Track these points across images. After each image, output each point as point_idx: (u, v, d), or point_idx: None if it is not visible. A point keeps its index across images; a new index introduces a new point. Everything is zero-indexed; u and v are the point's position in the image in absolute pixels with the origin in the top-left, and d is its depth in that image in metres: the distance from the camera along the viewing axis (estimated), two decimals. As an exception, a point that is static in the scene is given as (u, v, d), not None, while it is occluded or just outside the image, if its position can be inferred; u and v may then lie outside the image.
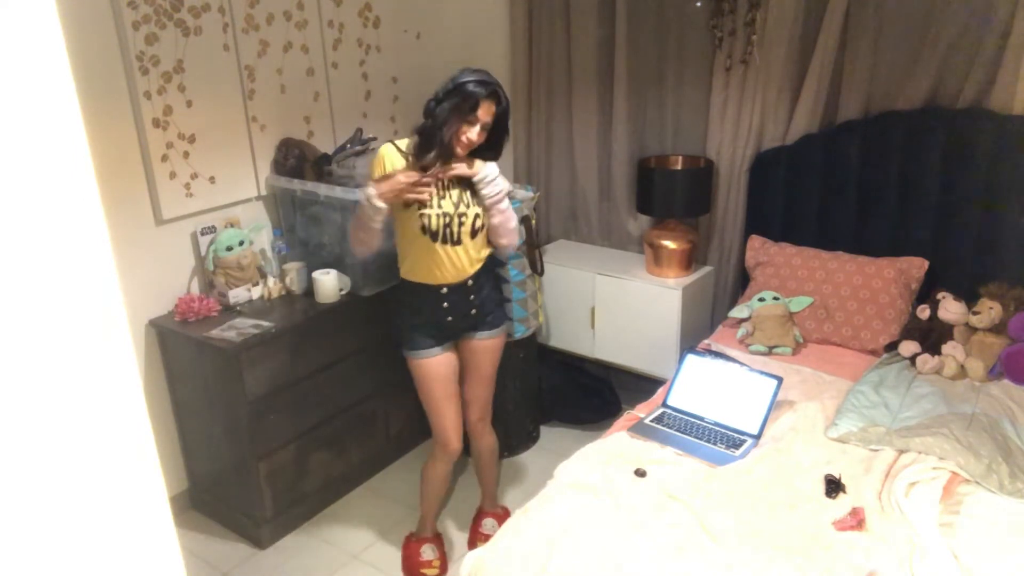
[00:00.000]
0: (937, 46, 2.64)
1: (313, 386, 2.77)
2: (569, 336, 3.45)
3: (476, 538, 2.68)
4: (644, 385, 3.18)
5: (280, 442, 2.70)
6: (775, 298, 2.82)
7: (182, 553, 0.78)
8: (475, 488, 2.81)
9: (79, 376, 0.67)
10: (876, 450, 2.13)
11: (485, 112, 2.12)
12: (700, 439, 2.24)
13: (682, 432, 2.28)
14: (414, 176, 2.11)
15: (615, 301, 3.24)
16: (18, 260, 0.61)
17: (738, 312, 2.90)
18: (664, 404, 2.44)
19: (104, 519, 0.70)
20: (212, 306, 2.70)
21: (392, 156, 2.21)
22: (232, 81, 2.81)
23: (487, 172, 2.21)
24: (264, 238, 2.99)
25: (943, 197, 2.73)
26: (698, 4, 3.05)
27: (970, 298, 2.61)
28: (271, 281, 2.88)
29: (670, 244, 3.11)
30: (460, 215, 2.21)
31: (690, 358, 2.49)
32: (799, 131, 2.95)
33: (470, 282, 2.29)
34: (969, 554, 1.71)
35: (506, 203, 2.27)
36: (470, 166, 2.20)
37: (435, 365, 2.33)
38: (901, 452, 2.10)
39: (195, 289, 2.83)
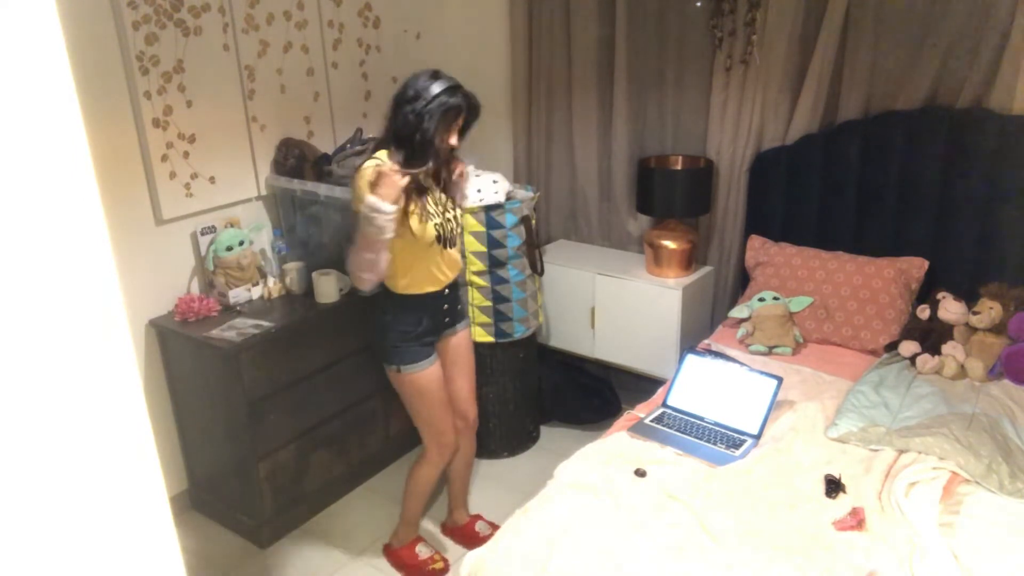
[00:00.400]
0: (937, 46, 2.64)
1: (313, 386, 2.77)
2: (569, 336, 3.45)
3: (481, 541, 2.66)
4: (644, 385, 3.18)
5: (280, 442, 2.70)
6: (775, 298, 2.82)
7: (182, 553, 0.78)
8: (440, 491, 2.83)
9: (79, 376, 0.67)
10: (876, 450, 2.13)
11: (460, 118, 2.16)
12: (700, 439, 2.24)
13: (682, 432, 2.28)
14: (408, 172, 2.04)
15: (615, 301, 3.24)
16: (18, 260, 0.61)
17: (738, 312, 2.90)
18: (664, 404, 2.44)
19: (104, 519, 0.70)
20: (212, 306, 2.70)
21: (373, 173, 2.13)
22: (232, 81, 2.81)
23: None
24: (264, 238, 2.99)
25: (943, 197, 2.73)
26: (698, 4, 3.05)
27: (970, 298, 2.61)
28: (271, 281, 2.88)
29: (670, 244, 3.11)
30: (454, 218, 2.29)
31: (690, 358, 2.49)
32: (799, 131, 2.95)
33: (456, 280, 2.39)
34: (969, 554, 1.71)
35: None
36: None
37: (435, 372, 2.35)
38: (901, 452, 2.10)
39: (195, 289, 2.83)
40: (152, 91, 2.56)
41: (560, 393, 3.41)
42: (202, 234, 2.76)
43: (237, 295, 2.77)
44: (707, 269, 3.26)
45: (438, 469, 2.48)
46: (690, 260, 3.16)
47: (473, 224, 2.88)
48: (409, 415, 2.42)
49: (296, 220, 2.97)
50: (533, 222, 3.02)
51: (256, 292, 2.83)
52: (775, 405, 2.29)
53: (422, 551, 2.59)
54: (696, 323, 3.21)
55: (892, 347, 2.67)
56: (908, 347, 2.60)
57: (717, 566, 1.72)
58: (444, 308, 2.34)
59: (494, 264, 2.93)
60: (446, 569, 2.57)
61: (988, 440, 2.09)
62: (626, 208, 3.46)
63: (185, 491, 2.95)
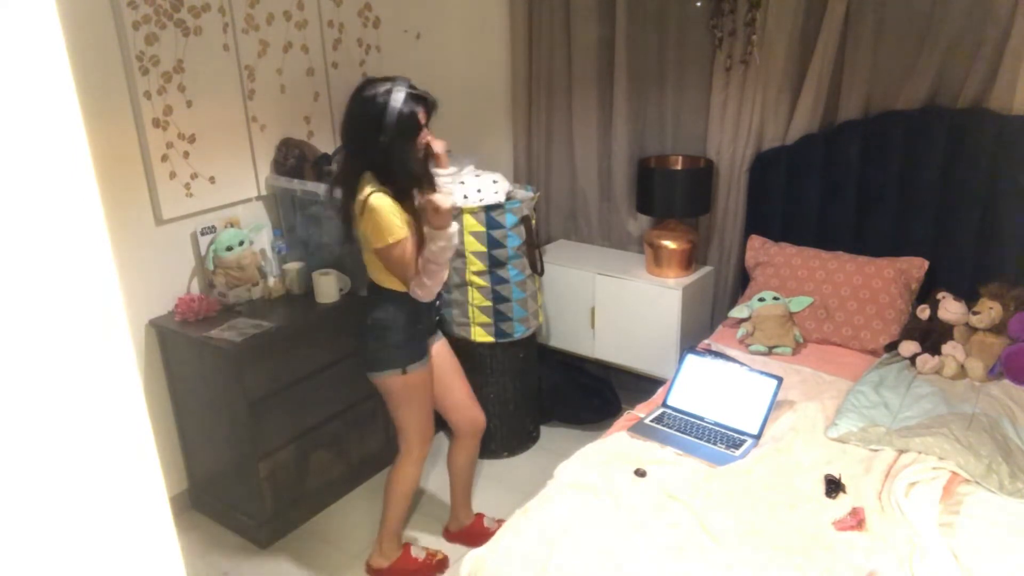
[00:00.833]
0: (937, 46, 2.64)
1: (313, 386, 2.77)
2: (569, 336, 3.45)
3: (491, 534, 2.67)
4: (644, 385, 3.18)
5: (280, 442, 2.70)
6: (775, 298, 2.82)
7: (182, 553, 0.78)
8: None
9: (79, 376, 0.67)
10: (876, 450, 2.13)
11: (424, 116, 2.14)
12: (700, 439, 2.24)
13: (682, 432, 2.28)
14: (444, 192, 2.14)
15: (615, 301, 3.24)
16: (18, 260, 0.61)
17: (738, 312, 2.90)
18: (664, 404, 2.44)
19: (104, 519, 0.70)
20: (212, 306, 2.70)
21: (391, 203, 2.12)
22: (232, 81, 2.81)
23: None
24: (264, 238, 2.99)
25: (943, 197, 2.73)
26: (698, 4, 3.05)
27: (970, 298, 2.61)
28: (271, 281, 2.88)
29: (670, 244, 3.11)
30: None
31: (690, 358, 2.49)
32: (799, 131, 2.95)
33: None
34: (969, 554, 1.71)
35: None
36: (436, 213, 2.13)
37: (430, 370, 2.37)
38: (901, 452, 2.10)
39: (195, 289, 2.83)
40: (152, 91, 2.56)
41: (560, 393, 3.41)
42: (202, 234, 2.76)
43: (237, 295, 2.77)
44: (707, 269, 3.26)
45: (420, 467, 2.46)
46: (690, 260, 3.16)
47: (473, 224, 2.88)
48: (394, 419, 2.39)
49: (296, 220, 2.97)
50: (533, 222, 3.02)
51: (256, 292, 2.83)
52: (775, 405, 2.29)
53: (417, 553, 2.59)
54: (696, 323, 3.21)
55: (892, 347, 2.67)
56: (908, 347, 2.60)
57: (717, 566, 1.72)
58: (436, 305, 2.37)
59: (494, 264, 2.93)
60: (447, 561, 2.58)
61: (988, 440, 2.09)
62: (626, 208, 3.46)
63: (185, 491, 2.95)
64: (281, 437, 2.70)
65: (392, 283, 2.24)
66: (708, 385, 2.41)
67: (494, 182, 2.89)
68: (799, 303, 2.80)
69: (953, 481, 1.97)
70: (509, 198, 2.95)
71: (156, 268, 2.70)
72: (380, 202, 2.09)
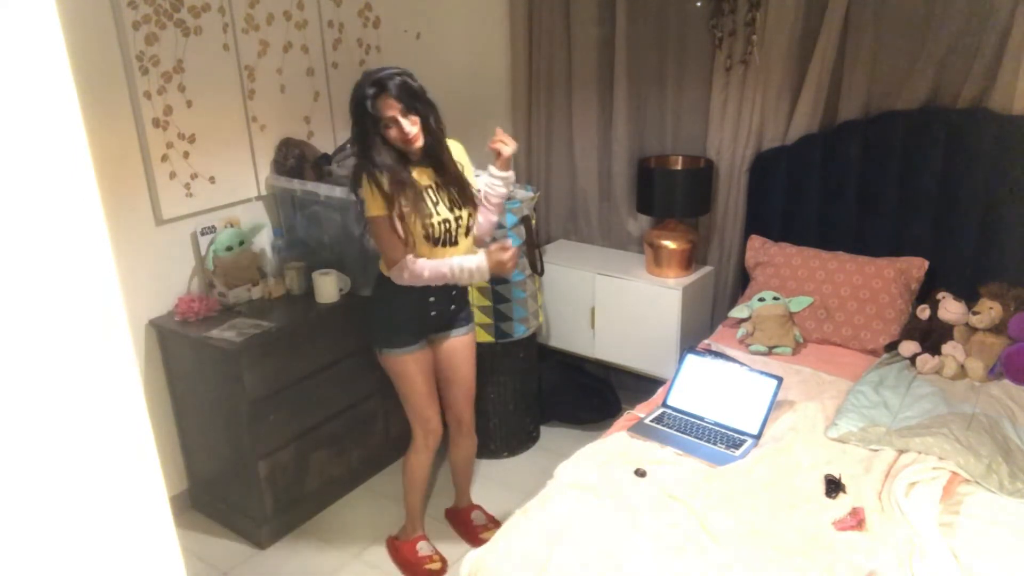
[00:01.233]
0: (937, 46, 2.64)
1: (313, 386, 2.77)
2: (569, 336, 3.45)
3: (474, 532, 2.70)
4: (644, 385, 3.18)
5: (280, 442, 2.70)
6: (775, 298, 2.82)
7: (182, 553, 0.78)
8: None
9: (79, 376, 0.67)
10: (876, 450, 2.13)
11: (387, 108, 2.10)
12: (700, 439, 2.24)
13: (682, 432, 2.28)
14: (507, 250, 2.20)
15: (615, 301, 3.24)
16: (18, 260, 0.61)
17: (738, 312, 2.90)
18: (664, 404, 2.44)
19: (104, 519, 0.70)
20: (212, 306, 2.70)
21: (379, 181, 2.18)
22: (232, 81, 2.81)
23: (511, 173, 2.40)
24: (264, 238, 2.98)
25: (943, 197, 2.73)
26: (698, 4, 3.05)
27: (970, 298, 2.61)
28: (271, 281, 2.88)
29: (670, 244, 3.11)
30: (456, 217, 2.26)
31: (690, 358, 2.49)
32: (799, 131, 2.95)
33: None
34: (969, 554, 1.71)
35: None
36: (499, 158, 2.34)
37: (418, 359, 2.37)
38: (901, 452, 2.10)
39: (195, 289, 2.83)
40: (152, 91, 2.56)
41: (560, 393, 3.41)
42: (202, 234, 2.76)
43: (237, 295, 2.77)
44: (707, 269, 3.26)
45: (425, 456, 2.50)
46: (690, 260, 3.16)
47: (473, 224, 2.87)
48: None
49: (296, 220, 2.97)
50: (533, 222, 3.02)
51: (256, 292, 2.83)
52: (775, 405, 2.29)
53: (423, 548, 2.60)
54: (696, 323, 3.21)
55: (892, 347, 2.67)
56: (908, 347, 2.61)
57: (717, 566, 1.72)
58: (431, 301, 2.32)
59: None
60: (443, 571, 2.57)
61: (988, 440, 2.09)
62: (626, 208, 3.46)
63: (185, 491, 2.95)
64: (281, 437, 2.70)
65: (385, 269, 2.30)
66: (708, 385, 2.41)
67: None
68: (799, 303, 2.80)
69: (953, 481, 1.97)
70: (509, 198, 2.95)
71: (156, 268, 2.70)
72: (376, 181, 2.17)
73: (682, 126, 3.28)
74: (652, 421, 2.36)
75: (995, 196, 2.63)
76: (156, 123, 2.59)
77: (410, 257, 2.21)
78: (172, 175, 2.67)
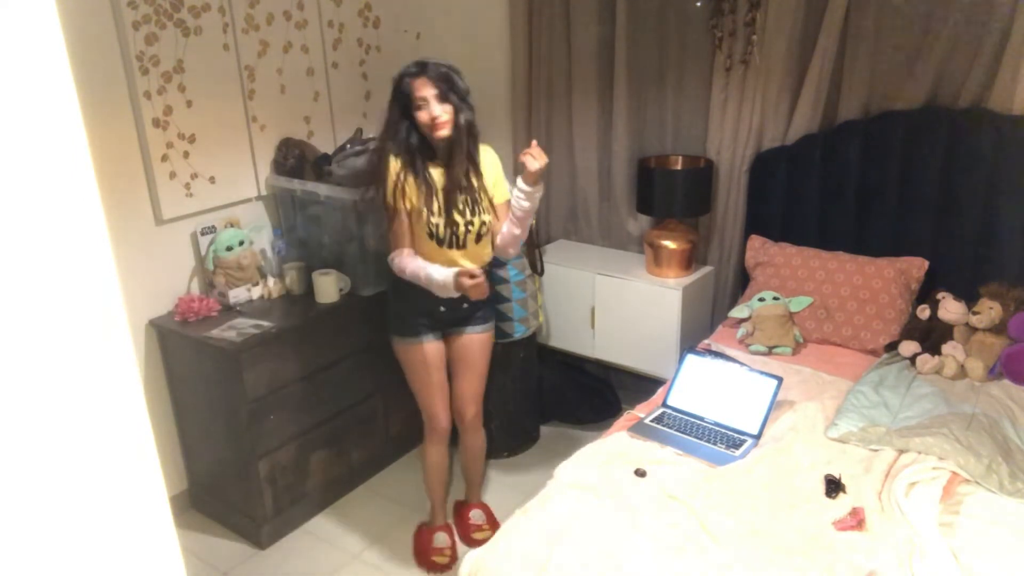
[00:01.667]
0: (937, 46, 2.64)
1: (313, 386, 2.77)
2: (569, 336, 3.45)
3: (468, 529, 2.72)
4: (644, 385, 3.18)
5: (280, 442, 2.70)
6: (775, 298, 2.82)
7: (182, 553, 0.78)
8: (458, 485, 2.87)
9: (79, 376, 0.67)
10: (876, 450, 2.13)
11: (423, 87, 2.14)
12: (700, 439, 2.24)
13: (682, 432, 2.28)
14: (473, 279, 2.16)
15: (615, 301, 3.24)
16: (18, 260, 0.61)
17: (738, 312, 2.90)
18: (664, 404, 2.44)
19: (104, 519, 0.70)
20: (212, 306, 2.70)
21: (394, 169, 2.25)
22: (232, 81, 2.81)
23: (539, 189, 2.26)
24: (264, 238, 2.99)
25: (943, 197, 2.73)
26: (698, 4, 3.05)
27: (970, 298, 2.61)
28: (271, 281, 2.88)
29: (670, 244, 3.11)
30: (467, 223, 2.28)
31: (690, 358, 2.49)
32: (799, 131, 2.95)
33: None
34: (969, 554, 1.71)
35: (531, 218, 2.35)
36: (526, 171, 2.21)
37: (428, 351, 2.39)
38: (901, 452, 2.10)
39: (195, 289, 2.83)
40: (152, 91, 2.56)
41: (560, 393, 3.41)
42: (202, 234, 2.76)
43: (237, 295, 2.77)
44: (707, 269, 3.26)
45: (432, 448, 2.55)
46: (690, 260, 3.16)
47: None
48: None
49: (296, 220, 2.98)
50: (533, 222, 3.02)
51: (256, 292, 2.83)
52: (775, 405, 2.29)
53: (438, 539, 2.63)
54: (696, 323, 3.21)
55: (892, 347, 2.67)
56: (908, 347, 2.60)
57: (717, 566, 1.72)
58: (436, 298, 2.32)
59: (494, 264, 2.93)
60: (448, 567, 2.58)
61: (988, 440, 2.09)
62: (626, 208, 3.46)
63: (185, 491, 2.95)
64: (281, 437, 2.70)
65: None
66: (708, 385, 2.41)
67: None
68: (799, 303, 2.80)
69: (953, 481, 1.97)
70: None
71: (156, 268, 2.70)
72: (390, 163, 2.24)
73: (682, 126, 3.28)
74: (652, 421, 2.36)
75: (995, 196, 2.63)
76: (156, 123, 2.59)
77: (407, 251, 2.28)
78: (172, 175, 2.67)
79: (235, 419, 2.60)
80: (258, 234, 2.90)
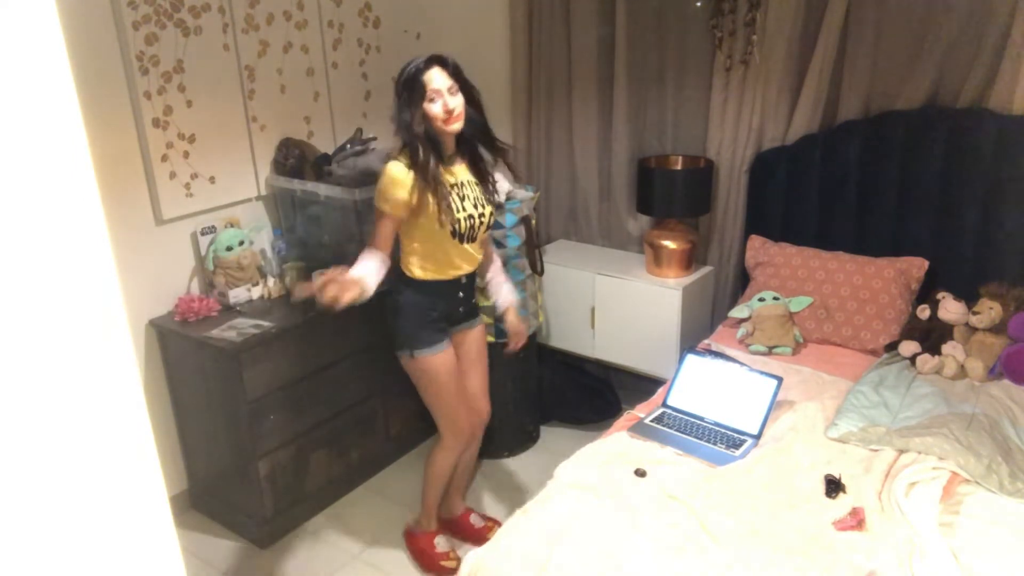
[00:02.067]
0: (937, 46, 2.64)
1: (313, 386, 2.77)
2: (569, 336, 3.45)
3: (479, 532, 2.68)
4: (644, 385, 3.18)
5: (280, 442, 2.70)
6: (775, 298, 2.82)
7: (182, 553, 0.78)
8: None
9: (79, 376, 0.67)
10: (876, 450, 2.13)
11: (437, 79, 2.12)
12: (700, 439, 2.24)
13: (682, 432, 2.28)
14: (326, 277, 2.08)
15: (615, 301, 3.24)
16: (18, 260, 0.61)
17: (738, 312, 2.90)
18: (664, 404, 2.44)
19: (104, 519, 0.70)
20: (212, 306, 2.70)
21: (400, 175, 2.14)
22: (232, 81, 2.81)
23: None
24: (264, 238, 2.99)
25: (943, 197, 2.73)
26: (698, 4, 3.05)
27: (970, 298, 2.61)
28: (271, 281, 2.88)
29: (670, 244, 3.11)
30: (480, 215, 2.29)
31: (690, 358, 2.49)
32: (799, 131, 2.95)
33: (473, 272, 2.40)
34: (969, 554, 1.71)
35: None
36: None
37: (448, 359, 2.36)
38: (901, 452, 2.10)
39: (195, 289, 2.83)
40: (152, 91, 2.56)
41: (560, 393, 3.41)
42: (202, 234, 2.76)
43: (237, 295, 2.77)
44: (707, 269, 3.26)
45: (454, 454, 2.50)
46: (690, 260, 3.16)
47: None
48: (425, 403, 2.44)
49: (296, 220, 2.97)
50: (533, 222, 3.02)
51: (256, 292, 2.83)
52: (775, 405, 2.29)
53: (440, 543, 2.61)
54: (696, 323, 3.21)
55: (892, 347, 2.67)
56: (908, 347, 2.61)
57: (717, 566, 1.72)
58: (459, 297, 2.36)
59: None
60: (456, 569, 2.57)
61: (988, 440, 2.09)
62: (626, 208, 3.46)
63: (185, 491, 2.95)
64: (281, 437, 2.70)
65: (408, 267, 2.29)
66: (708, 385, 2.41)
67: (494, 182, 2.89)
68: (799, 303, 2.80)
69: (953, 481, 1.97)
70: (509, 198, 2.95)
71: (156, 268, 2.70)
72: (390, 168, 2.15)
73: (682, 126, 3.28)
74: (652, 421, 2.36)
75: (995, 196, 2.63)
76: (156, 123, 2.59)
77: (381, 255, 2.18)
78: (172, 175, 2.67)
79: (235, 419, 2.60)
80: (258, 234, 2.90)
